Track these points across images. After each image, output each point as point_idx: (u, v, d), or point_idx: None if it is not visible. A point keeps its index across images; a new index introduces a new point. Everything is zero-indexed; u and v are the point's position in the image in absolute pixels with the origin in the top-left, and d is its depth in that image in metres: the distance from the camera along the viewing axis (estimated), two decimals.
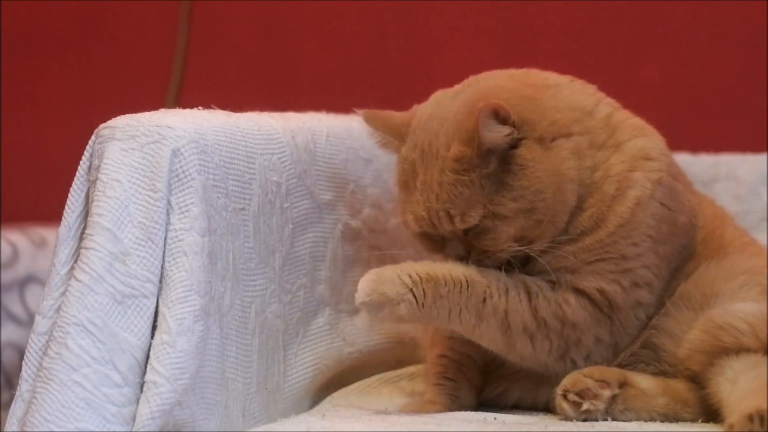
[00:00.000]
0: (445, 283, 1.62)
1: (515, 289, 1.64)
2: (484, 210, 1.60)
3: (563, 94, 1.68)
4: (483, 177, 1.60)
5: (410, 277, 1.62)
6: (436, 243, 1.69)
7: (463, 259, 1.65)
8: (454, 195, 1.61)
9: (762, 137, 2.34)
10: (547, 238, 1.63)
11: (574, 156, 1.64)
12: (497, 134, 1.59)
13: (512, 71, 1.73)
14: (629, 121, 1.72)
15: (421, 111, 1.70)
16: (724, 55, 2.45)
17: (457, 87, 1.72)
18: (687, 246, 1.73)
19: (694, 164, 2.20)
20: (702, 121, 2.46)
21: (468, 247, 1.65)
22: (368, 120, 1.72)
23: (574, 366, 1.67)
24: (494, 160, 1.60)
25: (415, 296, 1.61)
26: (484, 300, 1.63)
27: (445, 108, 1.67)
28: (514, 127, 1.60)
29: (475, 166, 1.60)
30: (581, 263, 1.65)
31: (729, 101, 2.45)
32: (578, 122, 1.66)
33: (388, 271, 1.62)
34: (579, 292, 1.65)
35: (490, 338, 1.65)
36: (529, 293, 1.65)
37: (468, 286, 1.62)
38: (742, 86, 2.44)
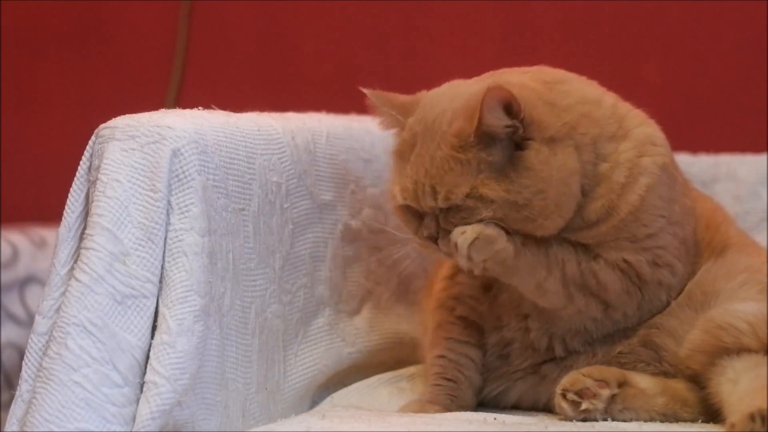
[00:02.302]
0: (522, 237, 1.63)
1: (566, 243, 1.66)
2: (470, 190, 1.60)
3: (574, 87, 1.69)
4: (481, 161, 1.60)
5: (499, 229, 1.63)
6: (414, 218, 1.68)
7: (433, 238, 1.64)
8: (444, 170, 1.61)
9: (762, 137, 2.34)
10: (542, 228, 1.63)
11: (576, 151, 1.64)
12: (498, 121, 1.59)
13: (525, 68, 1.73)
14: (633, 111, 1.73)
15: (433, 92, 1.71)
16: (724, 55, 2.45)
17: (474, 78, 1.72)
18: (694, 230, 1.75)
19: (694, 164, 2.20)
20: (702, 121, 2.46)
21: (438, 227, 1.64)
22: (375, 98, 1.71)
23: (614, 323, 1.69)
24: (497, 150, 1.60)
25: (512, 244, 1.62)
26: (547, 250, 1.64)
27: (458, 91, 1.68)
28: (522, 124, 1.60)
29: (473, 146, 1.60)
30: (597, 244, 1.66)
31: (729, 101, 2.45)
32: (587, 117, 1.66)
33: (483, 223, 1.62)
34: (606, 260, 1.67)
35: (554, 291, 1.66)
36: (574, 247, 1.66)
37: (536, 240, 1.64)
38: (742, 86, 2.44)
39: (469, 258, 1.62)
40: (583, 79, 1.74)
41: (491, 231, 1.61)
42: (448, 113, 1.64)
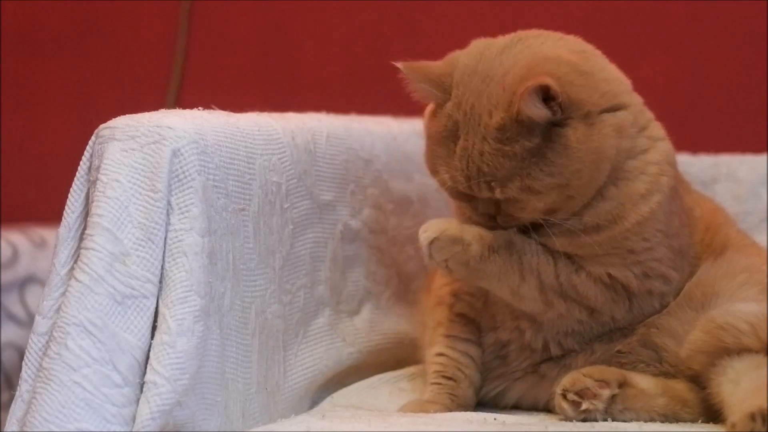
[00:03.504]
0: (495, 238, 1.64)
1: (545, 253, 1.66)
2: (521, 183, 1.60)
3: (609, 65, 1.69)
4: (525, 149, 1.59)
5: (469, 230, 1.64)
6: (467, 198, 1.67)
7: (491, 217, 1.65)
8: (495, 167, 1.60)
9: (762, 137, 2.34)
10: (571, 210, 1.63)
11: (616, 134, 1.62)
12: (537, 112, 1.57)
13: (560, 35, 1.70)
14: (655, 120, 1.72)
15: (463, 63, 1.67)
16: (724, 55, 2.45)
17: (501, 39, 1.68)
18: (691, 234, 1.74)
19: (694, 164, 2.20)
20: (702, 121, 2.46)
21: (497, 209, 1.65)
22: (408, 72, 1.68)
23: (603, 324, 1.69)
24: (537, 133, 1.59)
25: (478, 246, 1.63)
26: (521, 257, 1.64)
27: (490, 63, 1.64)
28: (560, 107, 1.58)
29: (518, 136, 1.58)
30: (590, 255, 1.66)
31: (729, 101, 2.45)
32: (626, 94, 1.66)
33: (451, 221, 1.65)
34: (589, 274, 1.66)
35: (531, 298, 1.66)
36: (554, 257, 1.66)
37: (510, 245, 1.64)
38: (742, 86, 2.44)
39: (431, 257, 1.63)
40: None
41: (454, 231, 1.63)
42: (484, 100, 1.61)
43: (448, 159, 1.65)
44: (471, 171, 1.62)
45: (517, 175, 1.60)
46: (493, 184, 1.61)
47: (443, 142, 1.66)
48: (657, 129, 1.71)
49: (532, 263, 1.65)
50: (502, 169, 1.60)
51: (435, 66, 1.69)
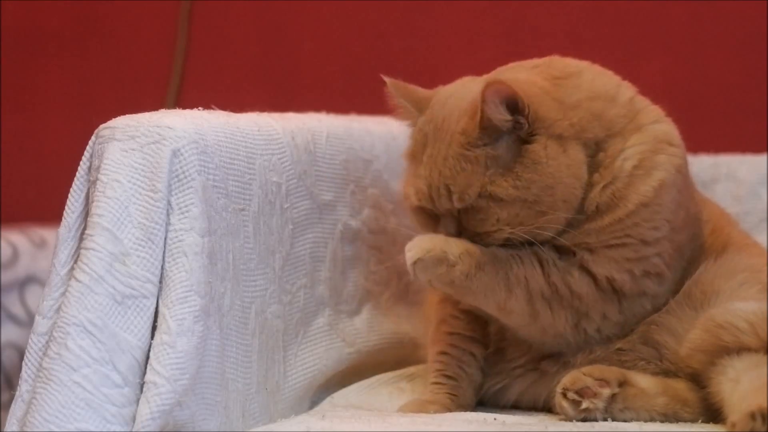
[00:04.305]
0: (482, 254, 1.62)
1: (528, 258, 1.64)
2: (481, 189, 1.60)
3: (584, 81, 1.68)
4: (489, 157, 1.60)
5: (456, 246, 1.62)
6: (430, 219, 1.68)
7: (456, 237, 1.64)
8: (457, 170, 1.61)
9: (762, 137, 2.34)
10: (551, 230, 1.62)
11: (584, 148, 1.63)
12: (499, 116, 1.58)
13: (536, 61, 1.72)
14: (651, 106, 1.72)
15: (444, 90, 1.71)
16: (724, 55, 2.45)
17: (485, 76, 1.71)
18: (696, 236, 1.73)
19: (694, 164, 2.19)
20: (702, 121, 2.46)
21: (459, 226, 1.65)
22: (393, 88, 1.71)
23: (587, 337, 1.68)
24: (503, 145, 1.60)
25: (464, 264, 1.62)
26: (507, 272, 1.63)
27: (466, 90, 1.67)
28: (527, 120, 1.59)
29: (480, 142, 1.60)
30: (601, 244, 1.65)
31: (729, 101, 2.45)
32: (597, 117, 1.65)
33: (438, 238, 1.63)
34: (586, 271, 1.65)
35: (518, 311, 1.65)
36: (540, 261, 1.65)
37: (496, 259, 1.63)
38: (742, 86, 2.44)
39: (415, 276, 1.63)
40: (598, 69, 1.72)
41: (438, 252, 1.61)
42: (455, 113, 1.64)
43: (415, 172, 1.66)
44: (433, 177, 1.63)
45: (477, 181, 1.60)
46: (452, 188, 1.61)
47: (413, 157, 1.69)
48: (649, 114, 1.70)
49: (519, 275, 1.64)
50: (462, 173, 1.61)
51: (419, 90, 1.72)
